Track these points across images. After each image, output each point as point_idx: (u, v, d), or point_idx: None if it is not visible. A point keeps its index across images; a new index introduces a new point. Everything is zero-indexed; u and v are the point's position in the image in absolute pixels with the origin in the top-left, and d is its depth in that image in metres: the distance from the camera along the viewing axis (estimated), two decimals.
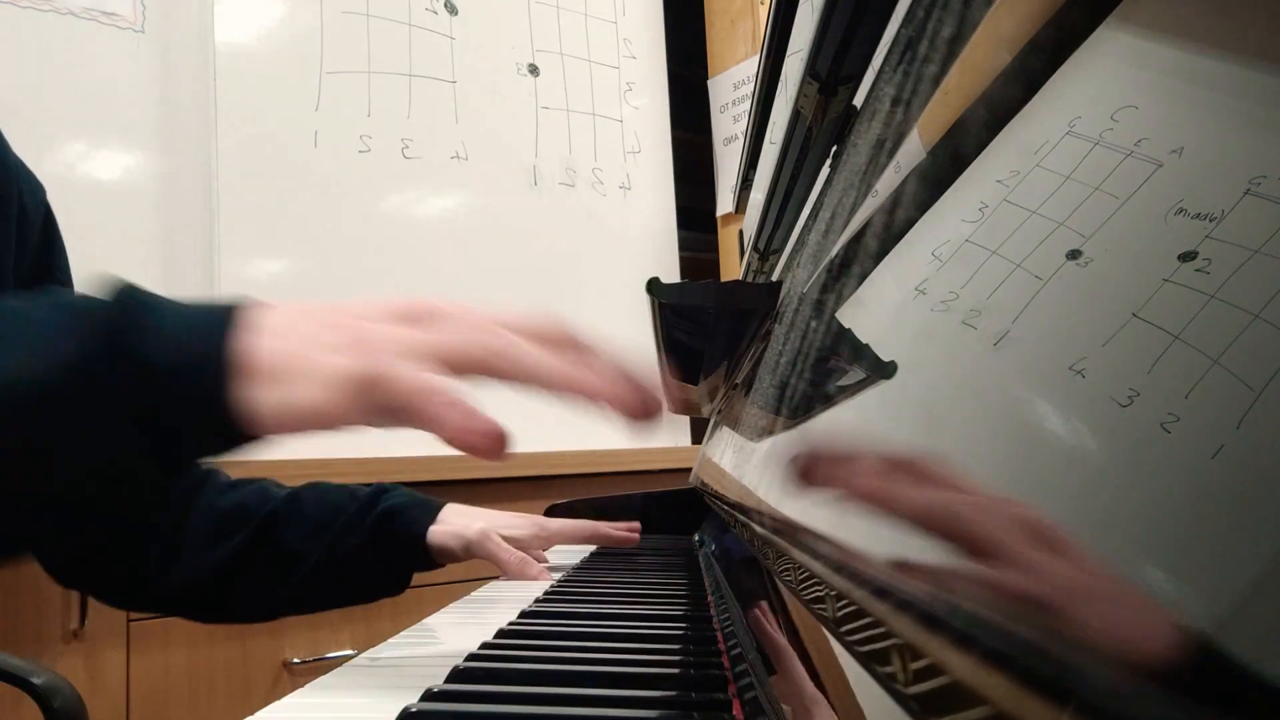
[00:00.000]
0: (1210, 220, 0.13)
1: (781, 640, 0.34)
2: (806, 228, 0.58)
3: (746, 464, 0.49)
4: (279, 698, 0.39)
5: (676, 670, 0.42)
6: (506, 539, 0.83)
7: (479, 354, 0.37)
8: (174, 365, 0.35)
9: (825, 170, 0.57)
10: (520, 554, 0.83)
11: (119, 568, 0.70)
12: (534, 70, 1.79)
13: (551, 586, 0.74)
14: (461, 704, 0.36)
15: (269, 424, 0.36)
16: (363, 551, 0.74)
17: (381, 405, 0.35)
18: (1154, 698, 0.09)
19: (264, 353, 0.36)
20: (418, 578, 0.80)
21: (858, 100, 0.50)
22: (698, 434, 1.78)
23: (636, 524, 0.96)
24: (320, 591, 0.74)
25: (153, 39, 1.45)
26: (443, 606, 0.70)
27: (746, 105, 1.25)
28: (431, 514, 0.81)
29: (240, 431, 0.36)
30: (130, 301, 0.37)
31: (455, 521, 0.81)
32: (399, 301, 0.39)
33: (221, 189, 1.43)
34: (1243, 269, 0.12)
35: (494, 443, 0.36)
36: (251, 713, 0.40)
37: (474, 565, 0.82)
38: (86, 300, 0.37)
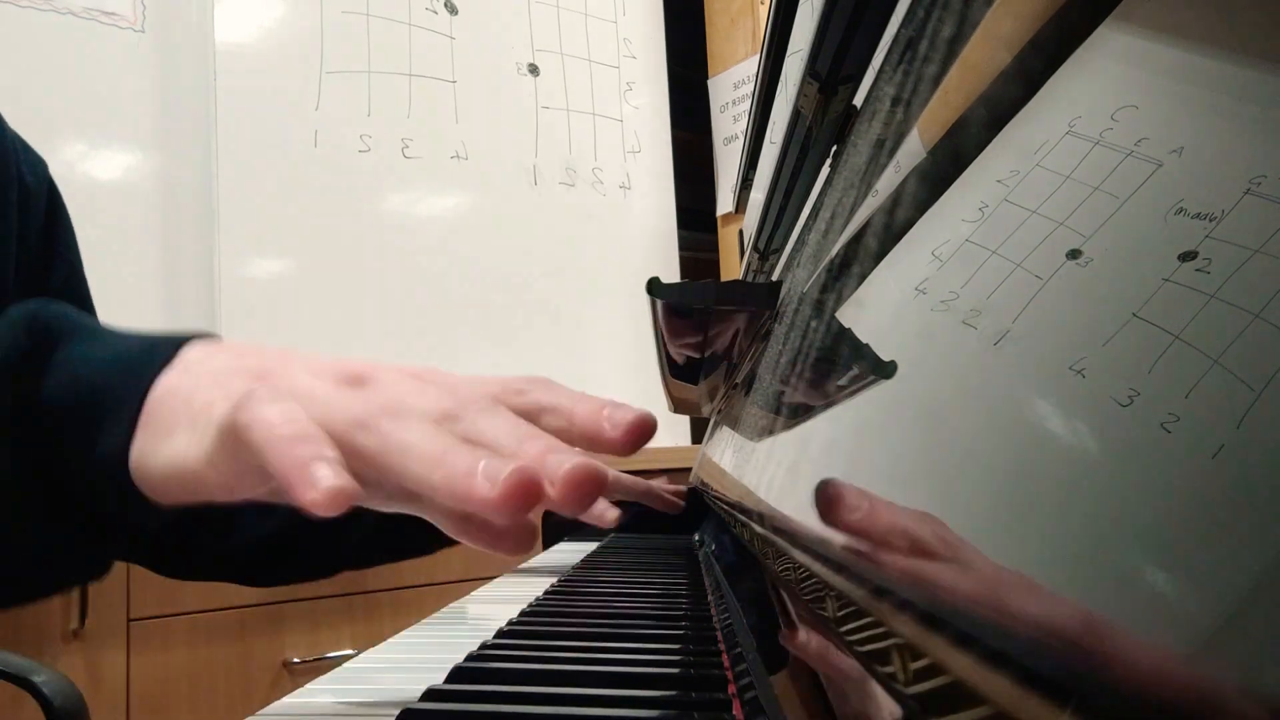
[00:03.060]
0: (1210, 220, 0.13)
1: (781, 639, 0.34)
2: (806, 228, 0.58)
3: (746, 464, 0.49)
4: (279, 697, 0.39)
5: (676, 670, 0.42)
6: None
7: (364, 443, 0.29)
8: (70, 404, 0.32)
9: (825, 170, 0.57)
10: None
11: (173, 537, 0.64)
12: (534, 70, 1.79)
13: (552, 586, 0.74)
14: (461, 704, 0.36)
15: (155, 481, 0.31)
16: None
17: (253, 463, 0.28)
18: (1154, 698, 0.09)
19: (158, 392, 0.32)
20: (418, 578, 0.80)
21: (858, 100, 0.50)
22: (698, 434, 1.78)
23: (683, 489, 0.96)
24: (386, 540, 0.67)
25: (153, 39, 1.45)
26: (442, 606, 0.70)
27: (746, 105, 1.25)
28: None
29: (136, 489, 0.31)
30: (46, 327, 0.33)
31: None
32: (353, 365, 0.32)
33: (221, 189, 1.43)
34: (1243, 269, 0.12)
35: (331, 500, 0.26)
36: (251, 712, 0.40)
37: (474, 565, 0.82)
38: (6, 324, 0.33)
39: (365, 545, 0.66)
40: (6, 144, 0.65)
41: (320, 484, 0.26)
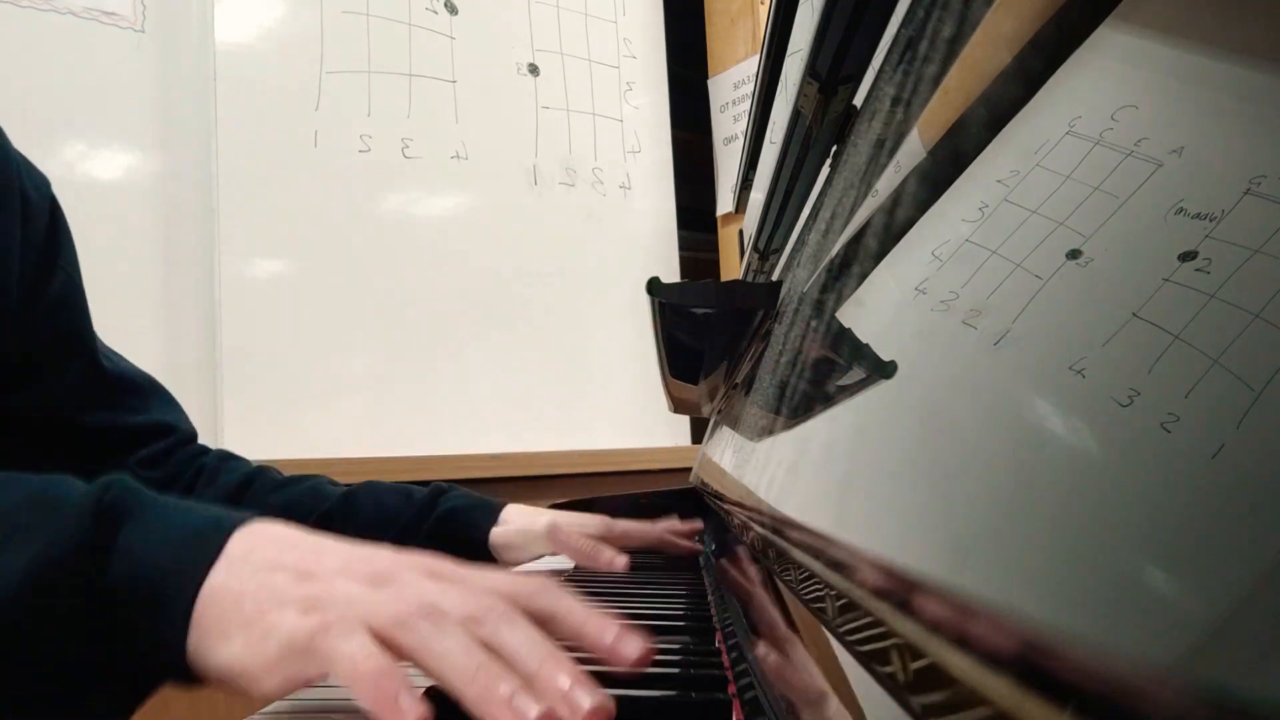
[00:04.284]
0: (1210, 220, 0.13)
1: (782, 639, 0.34)
2: (806, 228, 0.58)
3: (746, 464, 0.49)
4: (278, 697, 0.39)
5: (676, 670, 0.42)
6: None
7: (405, 640, 0.34)
8: (130, 595, 0.35)
9: (825, 170, 0.57)
10: (592, 540, 0.81)
11: None
12: (534, 70, 1.79)
13: None
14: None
15: (208, 676, 0.35)
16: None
17: (310, 675, 0.34)
18: (1153, 698, 0.09)
19: (209, 591, 0.35)
20: None
21: (858, 100, 0.50)
22: (698, 434, 1.78)
23: (698, 524, 0.95)
24: None
25: (153, 39, 1.45)
26: None
27: (746, 105, 1.25)
28: (491, 515, 0.79)
29: (191, 673, 0.35)
30: (112, 513, 0.36)
31: (518, 520, 0.79)
32: (379, 561, 0.37)
33: (221, 189, 1.43)
34: (1243, 269, 0.12)
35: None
36: (251, 712, 0.40)
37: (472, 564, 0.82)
38: (65, 499, 0.36)
39: None
40: (11, 160, 0.66)
41: (408, 715, 0.31)
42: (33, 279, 0.68)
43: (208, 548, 0.36)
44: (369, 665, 0.32)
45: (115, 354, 0.79)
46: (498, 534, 0.77)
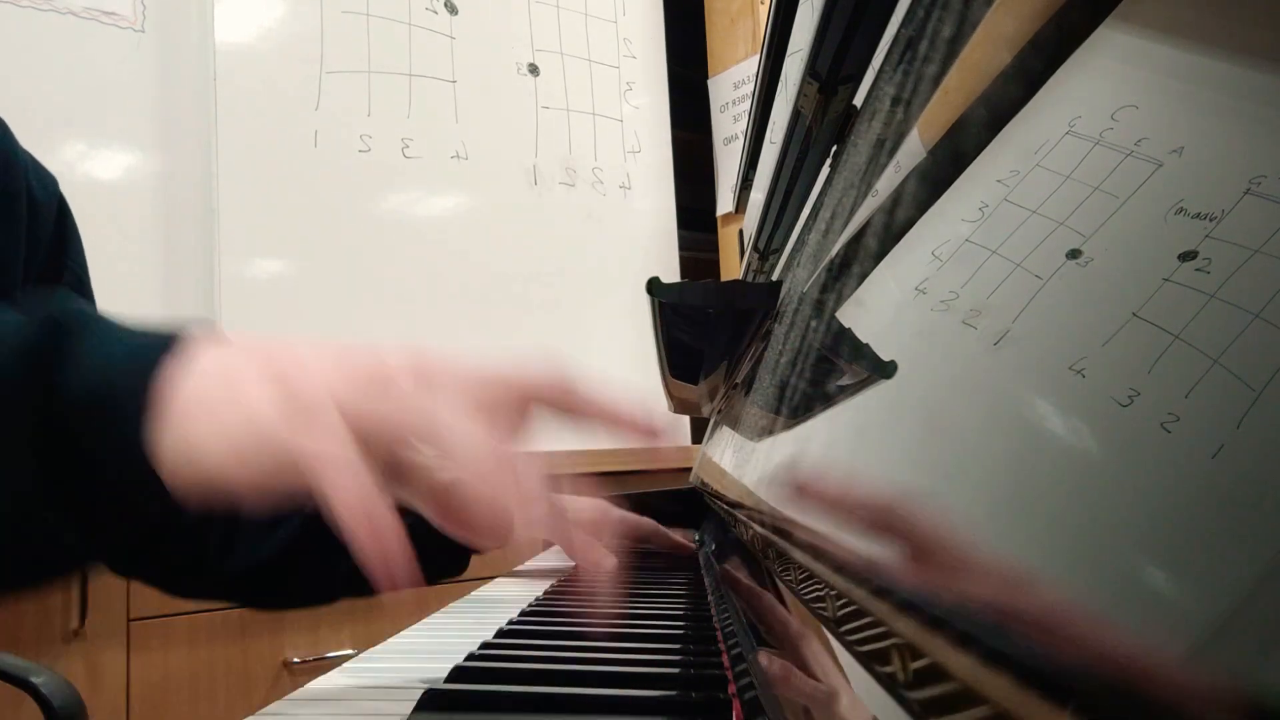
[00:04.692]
0: (1210, 220, 0.13)
1: (782, 639, 0.34)
2: (806, 228, 0.58)
3: (746, 464, 0.49)
4: (279, 697, 0.39)
5: (676, 670, 0.42)
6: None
7: (406, 429, 0.32)
8: (89, 396, 0.32)
9: (825, 170, 0.57)
10: (586, 536, 0.81)
11: (178, 556, 0.65)
12: (534, 70, 1.79)
13: (552, 585, 0.74)
14: (461, 703, 0.36)
15: (181, 482, 0.32)
16: (418, 527, 0.72)
17: (299, 487, 0.31)
18: (1153, 697, 0.09)
19: (177, 389, 0.32)
20: None
21: (858, 100, 0.50)
22: (698, 434, 1.78)
23: (691, 537, 0.95)
24: None
25: (153, 39, 1.45)
26: (443, 606, 0.70)
27: (746, 105, 1.25)
28: None
29: (160, 485, 0.32)
30: (59, 324, 0.33)
31: None
32: (361, 359, 0.34)
33: (221, 189, 1.43)
34: (1243, 269, 0.12)
35: (397, 572, 0.30)
36: (251, 712, 0.40)
37: (474, 566, 0.82)
38: (13, 320, 0.34)
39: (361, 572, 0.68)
40: (17, 159, 0.66)
41: (398, 577, 0.29)
42: (42, 281, 0.68)
43: (164, 341, 0.33)
44: (362, 511, 0.29)
45: None
46: None
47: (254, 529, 0.68)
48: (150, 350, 0.33)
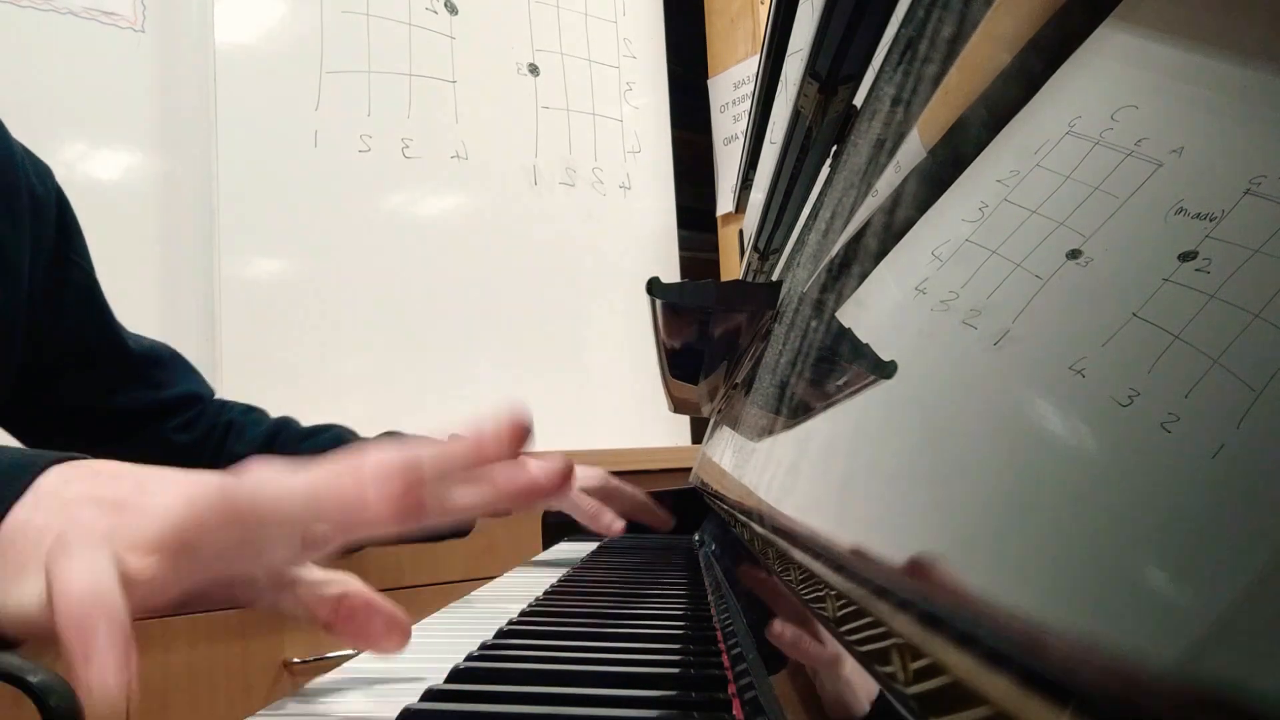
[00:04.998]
0: (1210, 220, 0.13)
1: (782, 638, 0.34)
2: (806, 228, 0.58)
3: (746, 464, 0.49)
4: (279, 697, 0.39)
5: (676, 670, 0.42)
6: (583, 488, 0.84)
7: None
8: None
9: (825, 170, 0.57)
10: (596, 502, 0.83)
11: None
12: (534, 70, 1.79)
13: (552, 585, 0.74)
14: (461, 704, 0.36)
15: (7, 626, 0.30)
16: None
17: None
18: (1153, 698, 0.09)
19: (8, 529, 0.31)
20: (419, 578, 0.80)
21: (858, 100, 0.50)
22: (698, 434, 1.78)
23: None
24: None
25: (153, 39, 1.45)
26: (442, 606, 0.70)
27: (746, 105, 1.25)
28: None
29: None
30: None
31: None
32: (204, 489, 0.31)
33: (221, 189, 1.43)
34: (1243, 269, 0.12)
35: (108, 684, 0.27)
36: (251, 712, 0.40)
37: (475, 565, 0.82)
38: None
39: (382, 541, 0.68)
40: (15, 156, 0.66)
41: (102, 660, 0.26)
42: (48, 279, 0.68)
43: (15, 483, 0.32)
44: (80, 586, 0.27)
45: (130, 332, 0.81)
46: None
47: None
48: (10, 475, 0.32)
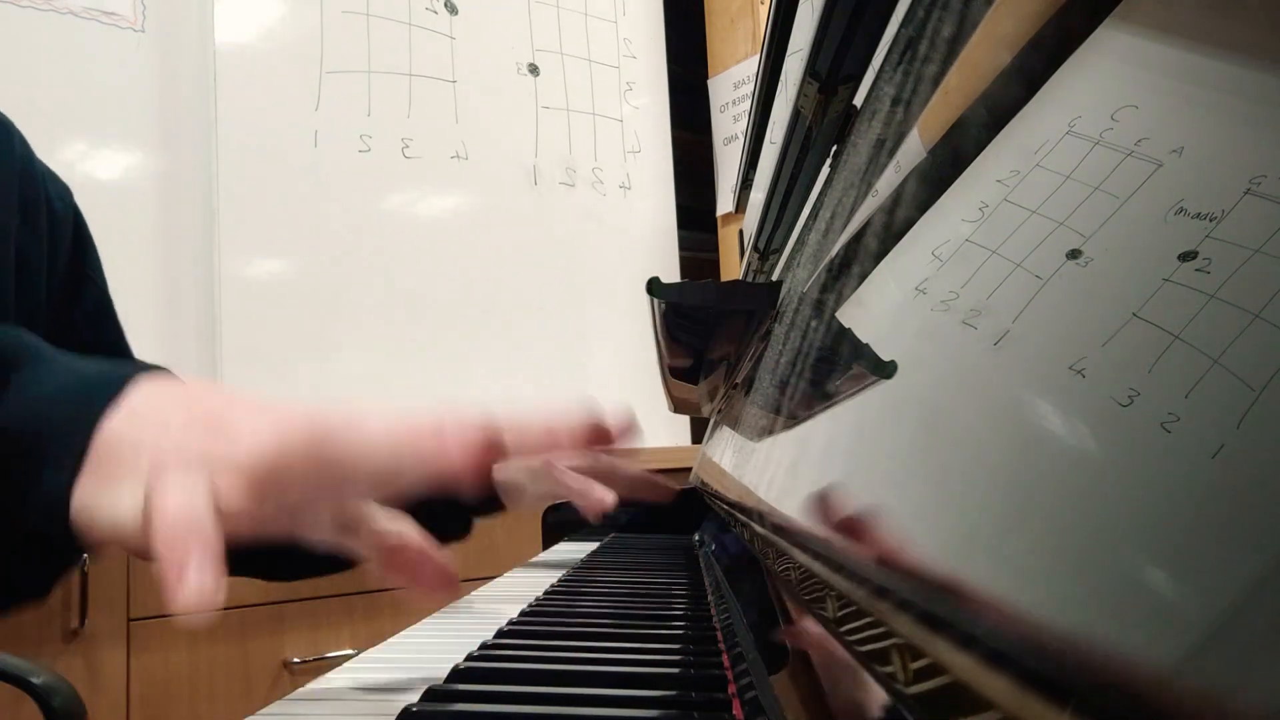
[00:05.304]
0: (1210, 220, 0.13)
1: (782, 638, 0.34)
2: (806, 227, 0.58)
3: (746, 464, 0.49)
4: (279, 697, 0.39)
5: (676, 670, 0.42)
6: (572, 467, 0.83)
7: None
8: (20, 430, 0.31)
9: (825, 170, 0.57)
10: (583, 478, 0.82)
11: None
12: (534, 70, 1.79)
13: (552, 585, 0.74)
14: (461, 703, 0.36)
15: (96, 531, 0.31)
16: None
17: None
18: (1153, 698, 0.09)
19: (107, 438, 0.31)
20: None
21: (858, 100, 0.50)
22: (698, 434, 1.78)
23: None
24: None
25: (153, 39, 1.45)
26: (441, 606, 0.70)
27: (746, 105, 1.26)
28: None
29: (73, 531, 0.31)
30: (2, 355, 0.33)
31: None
32: (295, 419, 0.32)
33: (221, 189, 1.43)
34: (1243, 269, 0.12)
35: (201, 602, 0.28)
36: (251, 712, 0.40)
37: (475, 565, 0.82)
38: None
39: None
40: (36, 172, 0.67)
41: (189, 585, 0.27)
42: (64, 295, 0.69)
43: (106, 392, 0.32)
44: (178, 507, 0.28)
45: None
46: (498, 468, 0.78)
47: None
48: (87, 390, 0.33)
